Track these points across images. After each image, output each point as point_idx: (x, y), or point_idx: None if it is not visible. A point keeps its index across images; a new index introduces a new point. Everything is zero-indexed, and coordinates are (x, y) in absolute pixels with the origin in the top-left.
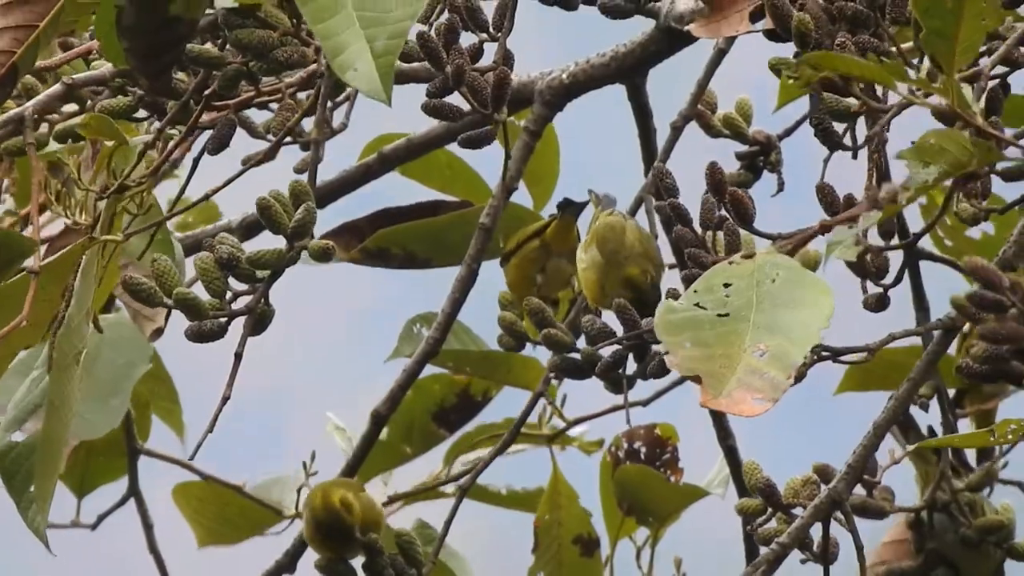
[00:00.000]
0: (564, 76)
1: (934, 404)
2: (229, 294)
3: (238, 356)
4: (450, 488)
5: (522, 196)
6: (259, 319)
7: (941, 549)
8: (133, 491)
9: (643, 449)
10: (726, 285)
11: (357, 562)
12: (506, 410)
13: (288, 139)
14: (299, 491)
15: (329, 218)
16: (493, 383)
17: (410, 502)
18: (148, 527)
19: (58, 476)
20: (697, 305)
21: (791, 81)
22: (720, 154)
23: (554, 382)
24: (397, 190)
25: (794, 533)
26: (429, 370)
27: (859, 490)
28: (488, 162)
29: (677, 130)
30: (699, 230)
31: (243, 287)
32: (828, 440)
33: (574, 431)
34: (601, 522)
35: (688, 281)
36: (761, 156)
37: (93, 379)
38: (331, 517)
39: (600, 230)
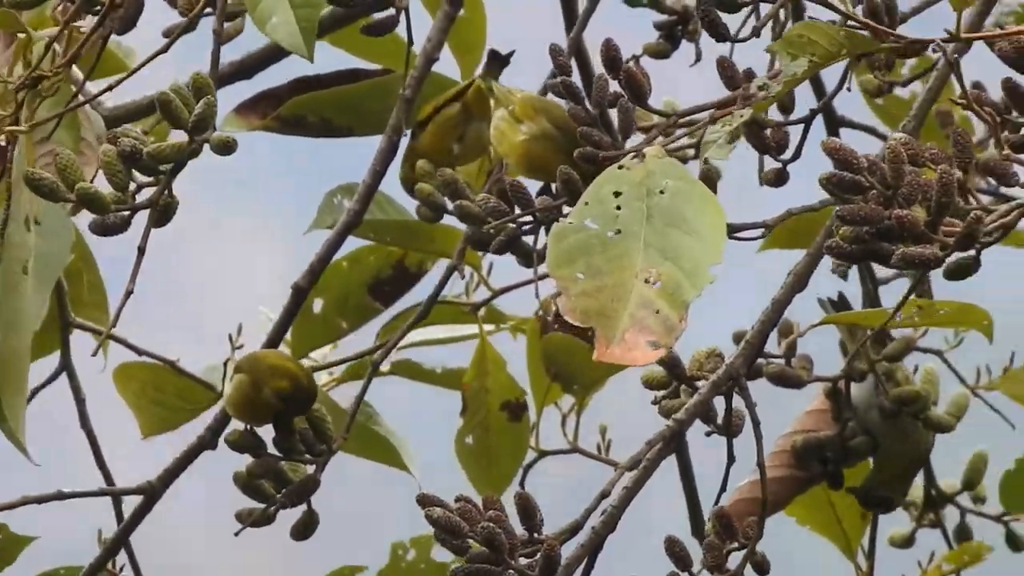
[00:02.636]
0: None
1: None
2: (133, 186)
3: (141, 250)
4: (386, 367)
5: (451, 68)
6: (162, 212)
7: (861, 419)
8: (65, 365)
9: None
10: (616, 194)
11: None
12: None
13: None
14: (225, 364)
15: (257, 89)
16: (428, 255)
17: (344, 380)
18: (80, 401)
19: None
20: (588, 222)
21: None
22: (642, 24)
23: (479, 252)
24: (329, 62)
25: (691, 409)
26: (364, 241)
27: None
28: (419, 35)
29: (594, 0)
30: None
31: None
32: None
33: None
34: (528, 387)
35: (581, 158)
36: (679, 26)
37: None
38: (311, 386)
39: (536, 102)
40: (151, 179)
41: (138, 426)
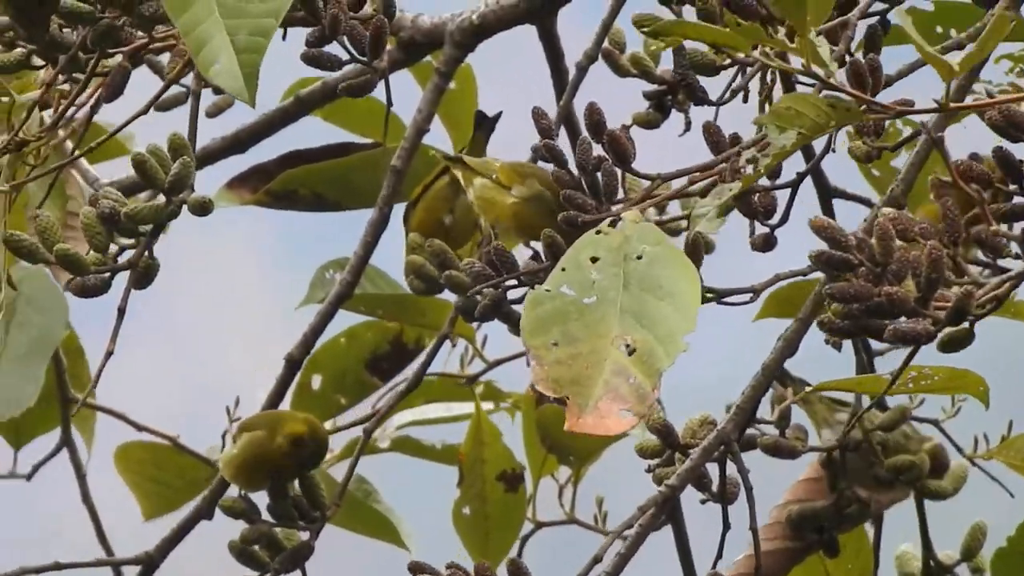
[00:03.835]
0: (474, 17)
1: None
2: (114, 248)
3: (121, 311)
4: (385, 443)
5: (442, 140)
6: (143, 273)
7: (855, 488)
8: (66, 441)
9: None
10: (593, 260)
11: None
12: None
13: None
14: (223, 436)
15: (250, 162)
16: (426, 331)
17: (342, 457)
18: (81, 477)
19: None
20: (564, 288)
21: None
22: (632, 93)
23: (473, 325)
24: (322, 136)
25: (684, 475)
26: (361, 317)
27: (770, 429)
28: (409, 107)
29: (582, 70)
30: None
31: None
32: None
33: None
34: (524, 458)
35: (564, 221)
36: (669, 95)
37: (11, 343)
38: (325, 436)
39: (519, 167)
40: (132, 241)
41: (139, 509)
